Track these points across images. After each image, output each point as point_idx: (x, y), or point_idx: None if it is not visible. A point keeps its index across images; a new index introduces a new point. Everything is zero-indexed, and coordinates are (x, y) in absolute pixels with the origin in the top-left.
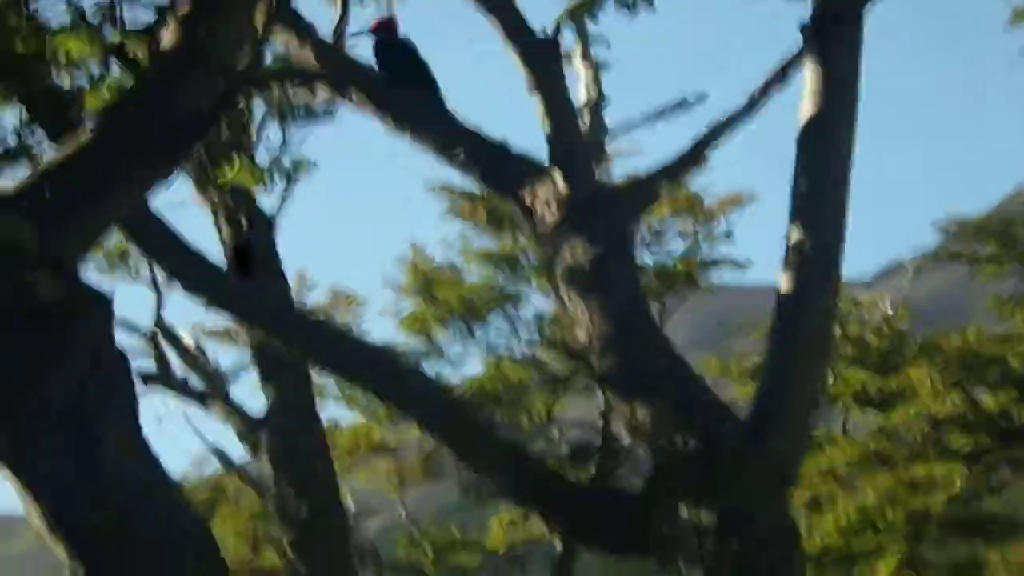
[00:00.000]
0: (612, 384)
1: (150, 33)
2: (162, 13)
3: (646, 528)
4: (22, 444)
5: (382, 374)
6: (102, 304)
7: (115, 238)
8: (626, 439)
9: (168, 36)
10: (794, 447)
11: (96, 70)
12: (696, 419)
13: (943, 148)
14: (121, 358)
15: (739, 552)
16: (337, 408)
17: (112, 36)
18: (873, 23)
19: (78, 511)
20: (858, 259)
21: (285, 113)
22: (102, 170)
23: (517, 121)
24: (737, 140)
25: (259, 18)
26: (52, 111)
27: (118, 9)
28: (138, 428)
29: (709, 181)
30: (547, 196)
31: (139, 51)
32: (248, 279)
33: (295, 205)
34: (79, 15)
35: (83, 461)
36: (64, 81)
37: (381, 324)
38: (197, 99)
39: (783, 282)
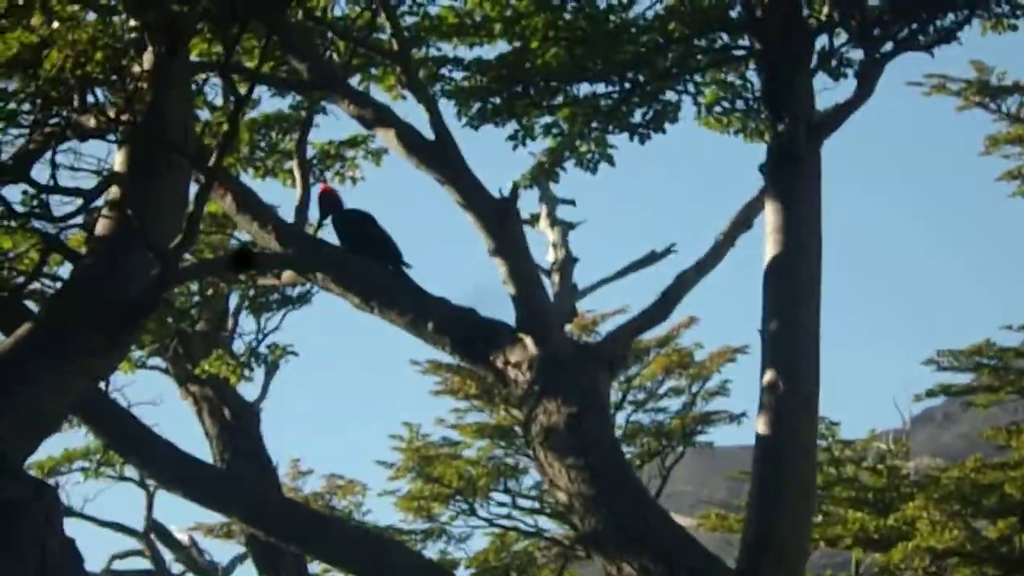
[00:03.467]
0: (596, 543)
1: (82, 221)
2: (89, 199)
3: None
4: None
5: (374, 559)
6: (44, 493)
7: (93, 440)
8: None
9: (101, 223)
10: None
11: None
12: (683, 571)
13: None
14: (70, 547)
15: None
16: None
17: (44, 226)
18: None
19: None
20: (887, 406)
21: (258, 301)
22: (38, 361)
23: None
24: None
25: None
26: None
27: (46, 199)
28: None
29: (701, 336)
30: (518, 359)
31: (74, 240)
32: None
33: (282, 391)
34: (7, 208)
35: None
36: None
37: (381, 505)
38: (133, 284)
39: (760, 425)
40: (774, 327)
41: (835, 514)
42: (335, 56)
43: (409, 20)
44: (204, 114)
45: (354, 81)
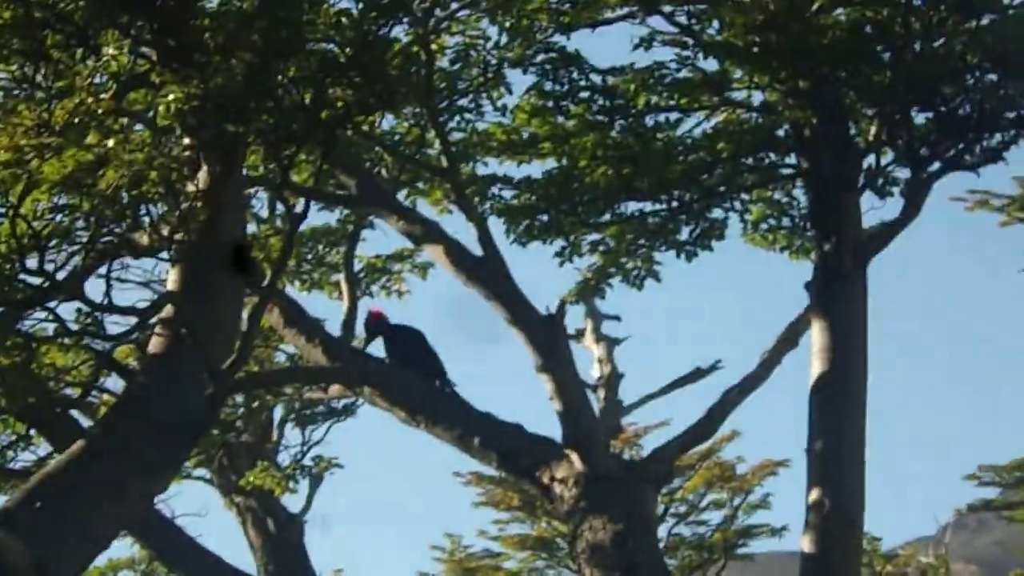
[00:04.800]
0: None
1: (135, 339)
2: (143, 317)
3: None
4: None
5: None
6: None
7: (137, 549)
8: None
9: (154, 341)
10: None
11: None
12: None
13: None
14: None
15: None
16: None
17: (97, 344)
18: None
19: None
20: (921, 514)
21: (303, 413)
22: (92, 480)
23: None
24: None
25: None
26: (47, 421)
27: (100, 316)
28: None
29: (743, 450)
30: (564, 475)
31: (130, 358)
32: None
33: (325, 502)
34: (61, 326)
35: None
36: (55, 391)
37: None
38: (186, 403)
39: (805, 544)
40: (819, 446)
41: None
42: (383, 171)
43: (457, 136)
44: (251, 226)
45: (401, 195)
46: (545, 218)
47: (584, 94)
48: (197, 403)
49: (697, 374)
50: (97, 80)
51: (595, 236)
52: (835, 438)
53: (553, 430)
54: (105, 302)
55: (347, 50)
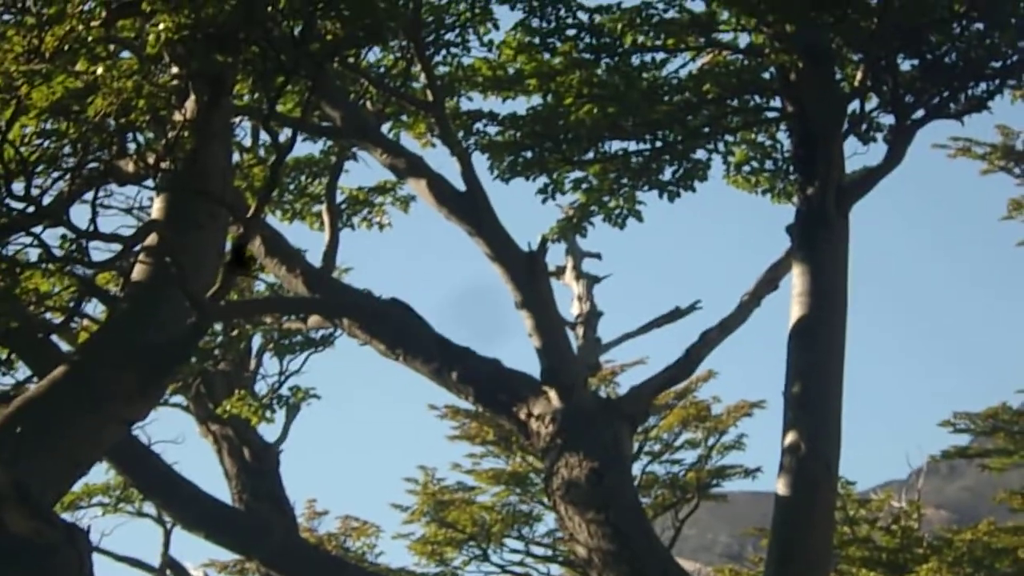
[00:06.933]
0: None
1: (119, 265)
2: (128, 245)
3: None
4: None
5: None
6: (76, 538)
7: (113, 475)
8: None
9: (138, 268)
10: None
11: (68, 303)
12: None
13: (957, 337)
14: None
15: None
16: None
17: (81, 270)
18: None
19: None
20: (893, 460)
21: (281, 343)
22: (73, 405)
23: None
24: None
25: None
26: (28, 346)
27: (84, 243)
28: None
29: (719, 390)
30: (541, 412)
31: (111, 284)
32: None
33: (301, 432)
34: (45, 252)
35: None
36: (37, 316)
37: (394, 548)
38: (168, 331)
39: (780, 487)
40: (797, 389)
41: (849, 573)
42: (368, 103)
43: (443, 70)
44: (234, 155)
45: (385, 128)
46: (529, 155)
47: (571, 32)
48: (179, 331)
49: (676, 314)
50: (87, 7)
51: (578, 174)
52: (813, 382)
53: (532, 367)
54: (90, 229)
55: None
